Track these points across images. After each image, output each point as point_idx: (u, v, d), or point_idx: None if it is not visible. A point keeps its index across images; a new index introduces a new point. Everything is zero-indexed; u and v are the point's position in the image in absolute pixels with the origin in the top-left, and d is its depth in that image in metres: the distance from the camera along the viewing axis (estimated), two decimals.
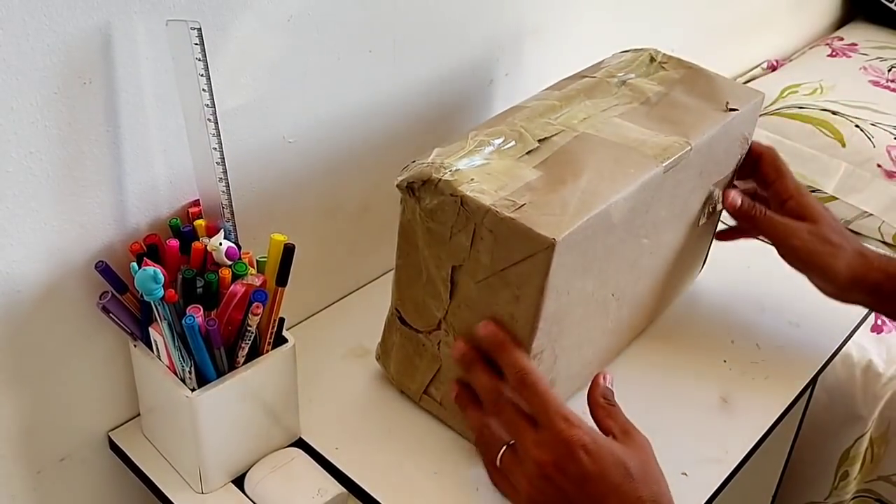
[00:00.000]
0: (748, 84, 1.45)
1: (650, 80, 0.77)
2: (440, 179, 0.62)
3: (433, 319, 0.68)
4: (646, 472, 0.59)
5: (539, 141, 0.67)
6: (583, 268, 0.63)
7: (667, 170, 0.67)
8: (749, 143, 0.80)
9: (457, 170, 0.62)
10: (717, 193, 0.80)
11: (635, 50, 0.82)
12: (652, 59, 0.80)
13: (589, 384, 0.64)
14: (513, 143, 0.66)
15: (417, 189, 0.63)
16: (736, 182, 0.83)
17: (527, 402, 0.60)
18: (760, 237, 0.84)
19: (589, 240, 0.62)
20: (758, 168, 0.81)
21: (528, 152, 0.65)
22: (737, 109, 0.74)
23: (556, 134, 0.68)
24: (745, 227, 0.82)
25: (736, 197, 0.79)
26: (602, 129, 0.69)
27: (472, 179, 0.61)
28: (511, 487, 0.61)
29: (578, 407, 0.73)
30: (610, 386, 0.65)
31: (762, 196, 0.82)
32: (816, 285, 0.79)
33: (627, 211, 0.65)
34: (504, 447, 0.62)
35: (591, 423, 0.62)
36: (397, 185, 0.64)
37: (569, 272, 0.62)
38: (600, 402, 0.64)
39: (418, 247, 0.66)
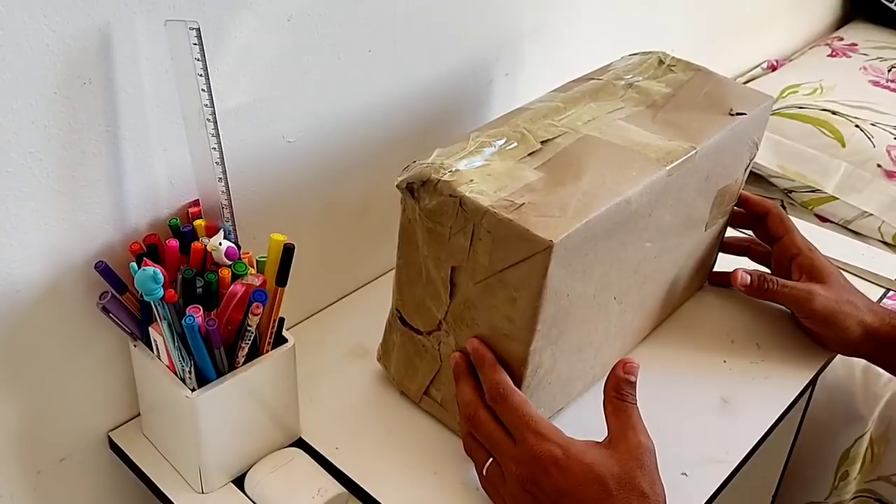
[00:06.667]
0: (748, 84, 1.45)
1: (657, 82, 0.76)
2: (439, 180, 0.61)
3: (433, 320, 0.68)
4: (629, 484, 0.58)
5: (542, 142, 0.66)
6: (582, 270, 0.63)
7: (670, 173, 0.66)
8: (758, 147, 0.79)
9: (456, 170, 0.62)
10: (727, 197, 0.79)
11: (643, 53, 0.82)
12: (660, 62, 0.79)
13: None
14: (514, 144, 0.66)
15: (417, 189, 0.63)
16: (728, 237, 0.85)
17: (502, 417, 0.62)
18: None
19: (589, 242, 0.61)
20: (764, 223, 0.82)
21: (529, 153, 0.65)
22: (744, 114, 0.74)
23: (559, 136, 0.67)
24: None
25: (745, 276, 0.80)
26: (606, 131, 0.69)
27: (471, 180, 0.61)
28: (499, 496, 0.63)
29: (579, 412, 0.73)
30: (629, 376, 0.62)
31: (760, 250, 0.85)
32: (825, 342, 0.81)
33: (629, 214, 0.64)
34: (490, 459, 0.63)
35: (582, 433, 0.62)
36: (397, 186, 0.64)
37: (568, 274, 0.61)
38: (611, 396, 0.62)
39: (418, 247, 0.66)
